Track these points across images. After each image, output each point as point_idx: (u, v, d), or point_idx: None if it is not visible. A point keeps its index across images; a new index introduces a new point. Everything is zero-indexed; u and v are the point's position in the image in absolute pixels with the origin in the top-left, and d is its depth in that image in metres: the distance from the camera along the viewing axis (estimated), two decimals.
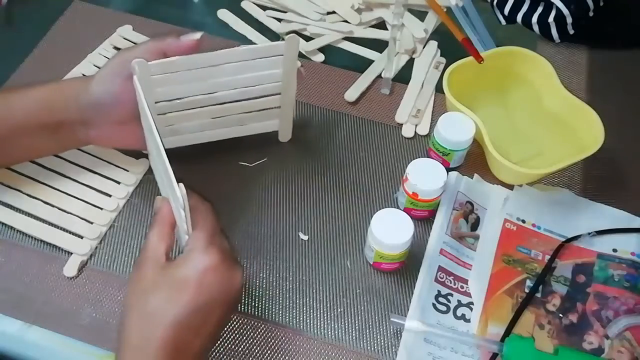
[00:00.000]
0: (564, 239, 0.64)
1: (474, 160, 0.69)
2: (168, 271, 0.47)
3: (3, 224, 0.62)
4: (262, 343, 0.57)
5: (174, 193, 0.47)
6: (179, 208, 0.48)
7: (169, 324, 0.45)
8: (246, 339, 0.57)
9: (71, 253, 0.60)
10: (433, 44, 0.80)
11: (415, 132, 0.72)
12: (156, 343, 0.44)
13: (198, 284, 0.46)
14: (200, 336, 0.46)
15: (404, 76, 0.77)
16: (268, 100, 0.62)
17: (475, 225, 0.65)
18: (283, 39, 0.57)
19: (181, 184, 0.46)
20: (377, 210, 0.59)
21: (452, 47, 0.77)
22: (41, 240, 0.61)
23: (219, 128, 0.65)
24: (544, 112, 0.72)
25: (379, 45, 0.79)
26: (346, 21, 0.81)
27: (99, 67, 0.74)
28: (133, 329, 0.46)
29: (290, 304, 0.59)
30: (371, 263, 0.61)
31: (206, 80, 0.58)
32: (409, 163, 0.62)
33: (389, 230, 0.58)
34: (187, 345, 0.45)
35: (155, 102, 0.59)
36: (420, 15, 0.82)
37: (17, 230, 0.61)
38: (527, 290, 0.60)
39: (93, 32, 0.78)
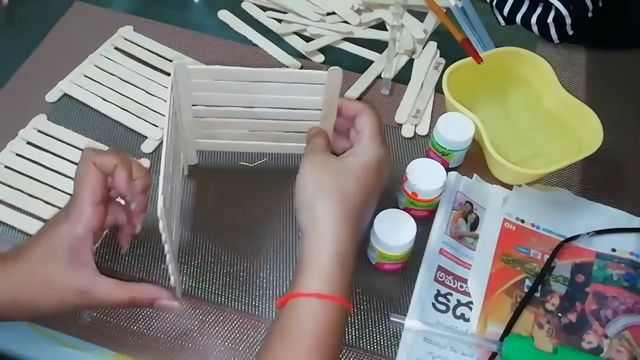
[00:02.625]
0: (563, 239, 0.64)
1: (473, 160, 0.70)
2: (348, 160, 0.54)
3: (5, 224, 0.62)
4: (262, 342, 0.57)
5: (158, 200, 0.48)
6: (159, 215, 0.48)
7: (359, 202, 0.52)
8: (246, 338, 0.58)
9: None
10: (432, 44, 0.81)
11: (414, 132, 0.72)
12: (351, 219, 0.51)
13: (378, 170, 0.54)
14: (369, 216, 0.54)
15: (403, 77, 0.77)
16: (307, 125, 0.60)
17: (474, 225, 0.65)
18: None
19: (162, 196, 0.47)
20: (377, 210, 0.59)
21: (451, 48, 0.77)
22: None
23: (255, 141, 0.64)
24: (543, 113, 0.72)
25: (379, 46, 0.80)
26: (346, 22, 0.81)
27: (100, 68, 0.75)
28: (327, 208, 0.50)
29: None
30: (374, 263, 0.61)
31: (245, 94, 0.58)
32: (408, 163, 0.62)
33: (392, 231, 0.58)
34: (365, 221, 0.54)
35: (193, 105, 0.59)
36: (420, 16, 0.83)
37: (19, 230, 0.62)
38: (526, 290, 0.60)
39: (94, 32, 0.78)
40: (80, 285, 0.50)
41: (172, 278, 0.55)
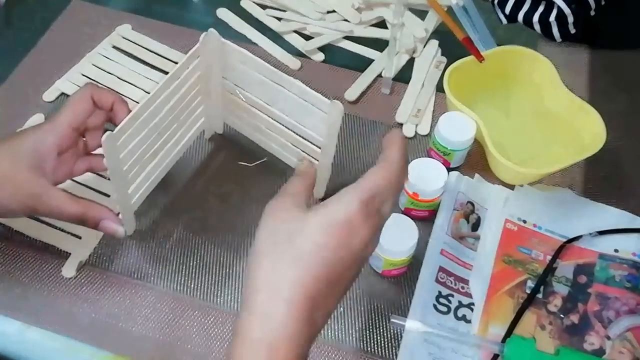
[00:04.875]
0: (565, 239, 0.63)
1: (475, 160, 0.69)
2: (314, 211, 0.42)
3: (2, 224, 0.62)
4: None
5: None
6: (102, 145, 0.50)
7: (313, 274, 0.40)
8: None
9: (70, 253, 0.60)
10: (433, 43, 0.80)
11: (415, 131, 0.72)
12: (300, 297, 0.39)
13: (347, 234, 0.41)
14: (335, 294, 0.41)
15: (404, 76, 0.77)
16: (310, 148, 0.61)
17: (476, 226, 0.64)
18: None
19: (115, 132, 0.50)
20: None
21: (452, 47, 0.77)
22: (40, 241, 0.61)
23: (267, 139, 0.66)
24: (545, 112, 0.72)
25: (379, 45, 0.79)
26: (346, 20, 0.81)
27: (98, 67, 0.74)
28: (270, 274, 0.40)
29: None
30: (380, 272, 0.61)
31: (265, 89, 0.59)
32: (409, 163, 0.62)
33: (395, 237, 0.57)
34: (323, 300, 0.40)
35: (223, 77, 0.62)
36: (421, 14, 0.82)
37: (16, 231, 0.61)
38: (528, 291, 0.60)
39: (92, 31, 0.78)
40: (33, 189, 0.52)
41: (117, 207, 0.57)
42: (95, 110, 0.56)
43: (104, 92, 0.56)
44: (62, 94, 0.72)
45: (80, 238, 0.61)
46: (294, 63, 0.77)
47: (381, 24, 0.82)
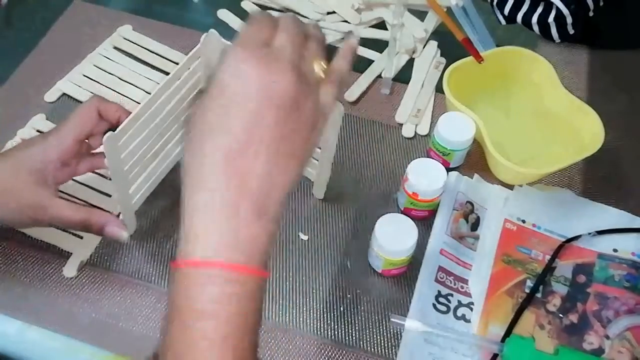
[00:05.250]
0: (564, 239, 0.63)
1: (474, 160, 0.69)
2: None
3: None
4: (262, 343, 0.57)
5: None
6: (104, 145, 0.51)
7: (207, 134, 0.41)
8: None
9: (71, 253, 0.60)
10: (433, 43, 0.80)
11: (415, 132, 0.72)
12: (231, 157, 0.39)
13: (220, 80, 0.39)
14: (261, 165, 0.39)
15: (404, 76, 0.77)
16: None
17: (475, 226, 0.65)
18: None
19: (117, 132, 0.51)
20: (376, 210, 0.59)
21: (452, 47, 0.77)
22: (41, 241, 0.61)
23: None
24: (544, 112, 0.72)
25: (379, 45, 0.79)
26: (346, 21, 0.81)
27: (99, 67, 0.74)
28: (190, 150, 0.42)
29: (291, 304, 0.59)
30: (380, 272, 0.61)
31: None
32: (409, 163, 0.62)
33: (395, 236, 0.58)
34: (247, 168, 0.39)
35: None
36: (421, 15, 0.82)
37: (17, 231, 0.61)
38: (527, 291, 0.60)
39: (93, 31, 0.78)
40: (34, 199, 0.52)
41: (119, 207, 0.58)
42: (100, 122, 0.56)
43: (110, 105, 0.56)
44: (64, 94, 0.72)
45: (81, 238, 0.61)
46: None
47: (381, 25, 0.82)
